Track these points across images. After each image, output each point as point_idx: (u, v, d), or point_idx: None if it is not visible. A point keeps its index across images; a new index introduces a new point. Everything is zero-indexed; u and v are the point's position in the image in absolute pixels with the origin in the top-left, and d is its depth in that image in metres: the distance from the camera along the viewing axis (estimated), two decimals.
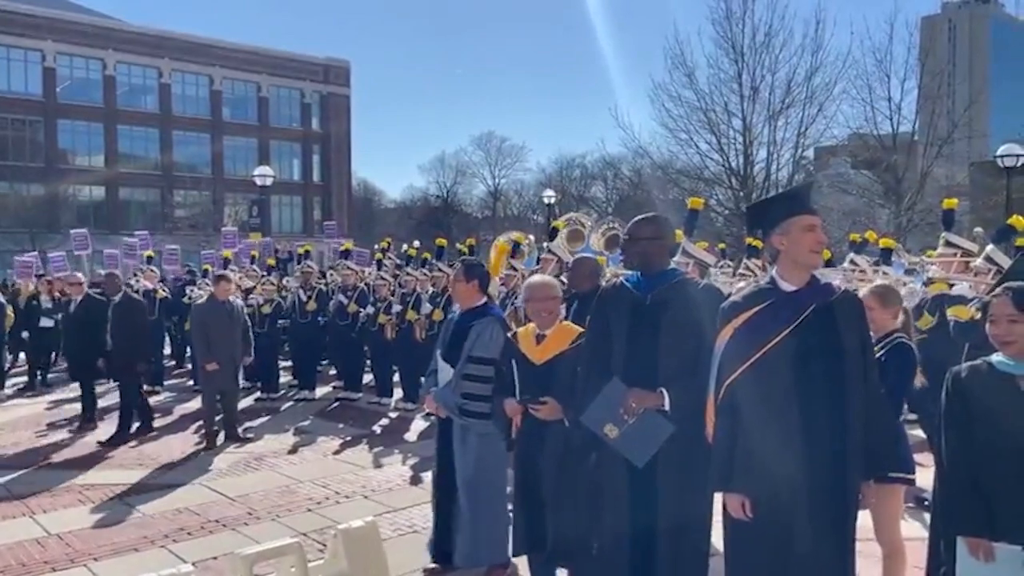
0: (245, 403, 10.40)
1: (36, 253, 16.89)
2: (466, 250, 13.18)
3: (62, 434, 9.06)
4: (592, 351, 3.69)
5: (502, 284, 9.11)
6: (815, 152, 30.97)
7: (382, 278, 11.11)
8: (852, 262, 9.01)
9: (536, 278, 4.53)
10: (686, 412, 3.29)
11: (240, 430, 8.72)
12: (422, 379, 5.35)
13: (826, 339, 2.99)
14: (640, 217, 3.77)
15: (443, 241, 11.94)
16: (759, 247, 9.50)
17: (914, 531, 4.62)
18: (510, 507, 4.45)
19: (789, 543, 2.91)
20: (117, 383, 9.31)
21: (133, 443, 8.49)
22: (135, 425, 8.87)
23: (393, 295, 10.80)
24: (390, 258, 13.43)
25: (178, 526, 5.74)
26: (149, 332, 10.04)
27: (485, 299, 4.84)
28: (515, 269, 9.29)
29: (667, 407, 3.36)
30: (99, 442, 8.49)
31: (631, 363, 3.49)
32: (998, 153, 23.27)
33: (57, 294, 13.57)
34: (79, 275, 10.69)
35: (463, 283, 4.74)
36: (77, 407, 10.69)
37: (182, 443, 8.45)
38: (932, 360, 4.83)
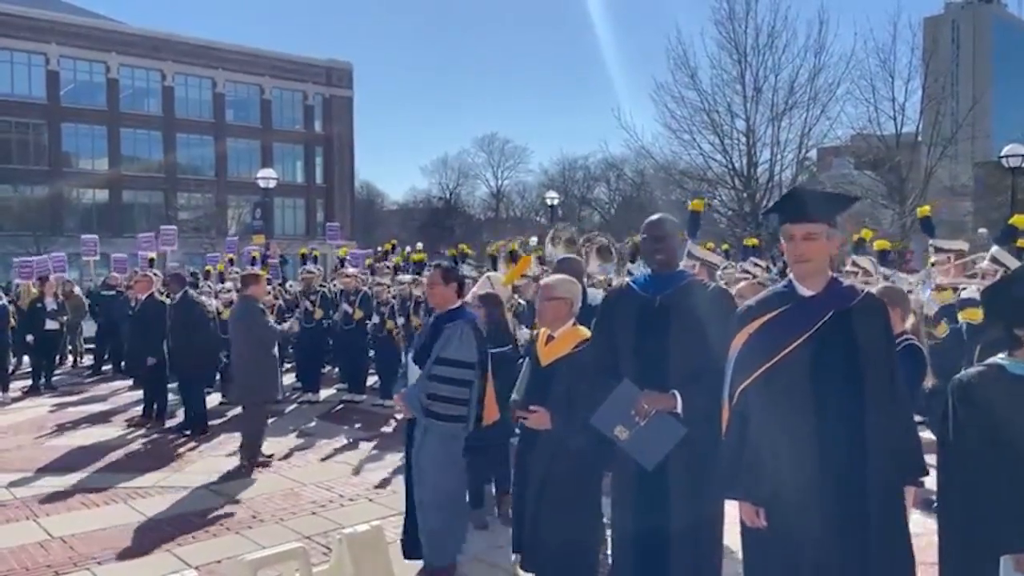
0: None
1: (45, 257, 16.88)
2: (469, 252, 13.21)
3: (65, 437, 9.04)
4: (599, 355, 3.64)
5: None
6: (818, 153, 30.96)
7: (379, 283, 11.16)
8: (854, 263, 8.88)
9: (551, 277, 4.54)
10: (699, 415, 3.24)
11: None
12: None
13: (844, 346, 2.85)
14: (655, 216, 3.68)
15: (454, 251, 11.94)
16: (755, 246, 9.50)
17: (920, 528, 4.57)
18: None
19: (804, 552, 2.82)
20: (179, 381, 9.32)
21: (140, 445, 8.49)
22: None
23: (395, 298, 10.83)
24: (388, 267, 13.37)
25: (182, 529, 5.72)
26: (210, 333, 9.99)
27: (460, 303, 4.85)
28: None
29: (679, 410, 3.31)
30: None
31: (641, 366, 3.44)
32: (1002, 153, 23.21)
33: (61, 296, 13.59)
34: (150, 273, 10.69)
35: (441, 286, 4.75)
36: (79, 410, 10.73)
37: (186, 446, 8.43)
38: (943, 364, 4.81)
